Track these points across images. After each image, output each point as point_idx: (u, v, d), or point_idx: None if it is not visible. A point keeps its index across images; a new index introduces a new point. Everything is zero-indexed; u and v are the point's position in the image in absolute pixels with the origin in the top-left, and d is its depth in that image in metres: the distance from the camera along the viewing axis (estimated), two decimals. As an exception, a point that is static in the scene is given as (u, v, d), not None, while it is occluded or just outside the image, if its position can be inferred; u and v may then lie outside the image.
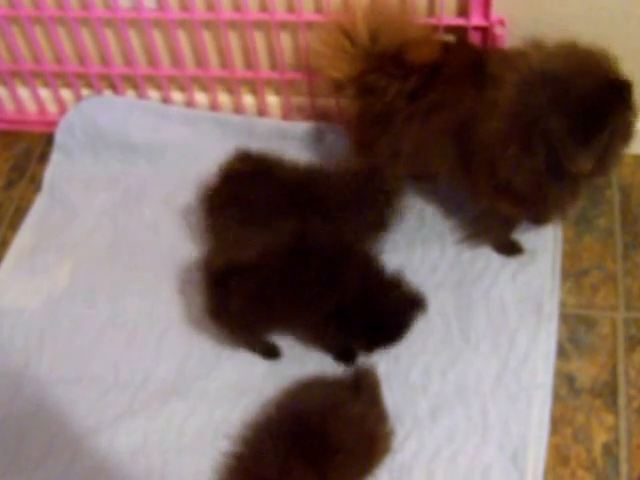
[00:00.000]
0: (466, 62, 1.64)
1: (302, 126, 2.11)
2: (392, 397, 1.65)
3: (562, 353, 1.72)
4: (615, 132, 1.48)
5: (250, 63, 2.04)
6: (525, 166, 1.54)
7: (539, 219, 1.76)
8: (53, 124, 2.21)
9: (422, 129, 1.66)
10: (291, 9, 1.90)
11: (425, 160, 1.73)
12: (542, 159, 1.51)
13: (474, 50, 1.73)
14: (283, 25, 1.95)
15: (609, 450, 1.61)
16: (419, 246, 1.90)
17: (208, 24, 2.00)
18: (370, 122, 1.74)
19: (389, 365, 1.71)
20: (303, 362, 1.74)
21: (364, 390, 1.59)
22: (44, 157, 2.21)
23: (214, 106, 2.16)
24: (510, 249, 1.84)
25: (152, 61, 2.10)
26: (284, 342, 1.77)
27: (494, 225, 1.81)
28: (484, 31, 1.80)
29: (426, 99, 1.64)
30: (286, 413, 1.56)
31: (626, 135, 1.53)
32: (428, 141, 1.68)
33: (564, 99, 1.45)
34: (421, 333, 1.71)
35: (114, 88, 2.20)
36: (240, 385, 1.74)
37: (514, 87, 1.49)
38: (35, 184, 2.17)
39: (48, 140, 2.23)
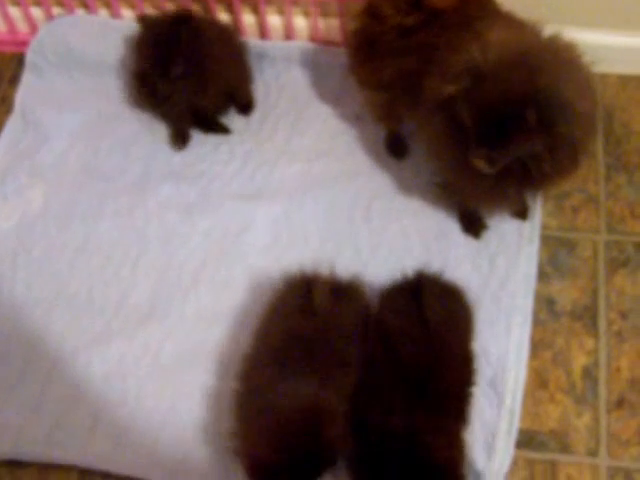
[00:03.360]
0: (469, 14, 1.56)
1: (296, 48, 2.07)
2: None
3: (542, 276, 1.72)
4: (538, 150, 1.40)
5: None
6: (442, 141, 1.53)
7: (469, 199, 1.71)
8: (24, 44, 2.15)
9: (402, 65, 1.62)
10: None
11: (399, 98, 1.70)
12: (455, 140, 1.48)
13: (485, 6, 1.62)
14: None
15: (588, 373, 1.61)
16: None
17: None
18: (361, 45, 1.71)
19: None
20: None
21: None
22: (15, 78, 2.15)
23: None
24: (470, 226, 1.77)
25: (126, -22, 2.05)
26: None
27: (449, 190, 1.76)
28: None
29: (416, 38, 1.59)
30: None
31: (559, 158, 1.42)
32: (402, 79, 1.64)
33: (484, 97, 1.38)
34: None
35: (86, 7, 2.15)
36: (217, 309, 1.73)
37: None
38: (6, 106, 2.11)
39: (19, 61, 2.17)
